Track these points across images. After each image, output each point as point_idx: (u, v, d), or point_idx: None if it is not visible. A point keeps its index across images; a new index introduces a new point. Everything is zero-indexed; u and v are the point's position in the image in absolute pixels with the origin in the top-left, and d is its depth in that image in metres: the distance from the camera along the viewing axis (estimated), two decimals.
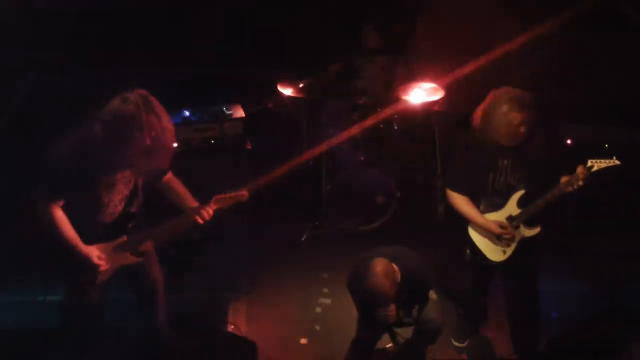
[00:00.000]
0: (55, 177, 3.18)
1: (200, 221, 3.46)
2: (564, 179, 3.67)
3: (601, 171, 3.63)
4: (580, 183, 3.60)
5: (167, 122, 3.17)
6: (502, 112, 3.58)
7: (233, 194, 3.51)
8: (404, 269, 3.71)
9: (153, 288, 3.78)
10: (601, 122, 5.45)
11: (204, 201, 3.55)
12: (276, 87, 5.49)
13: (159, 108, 3.14)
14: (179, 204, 3.60)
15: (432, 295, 3.91)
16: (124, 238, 3.47)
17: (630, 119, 5.45)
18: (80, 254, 3.32)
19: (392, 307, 3.67)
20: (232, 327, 4.49)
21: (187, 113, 5.10)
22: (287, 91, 5.42)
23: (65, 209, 3.29)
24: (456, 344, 4.33)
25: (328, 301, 4.74)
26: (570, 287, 4.95)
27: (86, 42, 5.59)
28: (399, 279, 3.67)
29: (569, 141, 5.27)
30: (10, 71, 5.06)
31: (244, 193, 3.53)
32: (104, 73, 5.30)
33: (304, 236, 5.47)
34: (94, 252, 3.37)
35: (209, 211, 3.45)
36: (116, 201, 3.40)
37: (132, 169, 3.33)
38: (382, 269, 3.56)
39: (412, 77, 5.78)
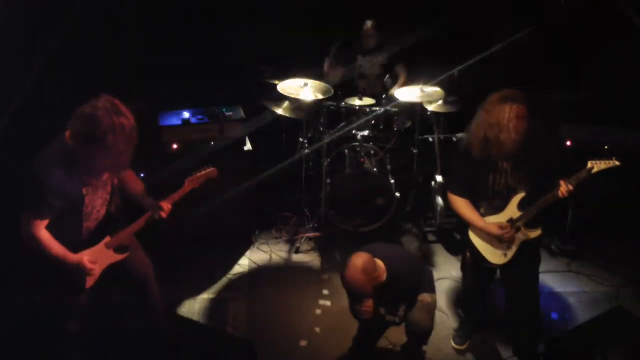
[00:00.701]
0: (42, 193, 3.18)
1: (164, 216, 3.54)
2: (564, 181, 3.66)
3: (601, 172, 3.63)
4: (581, 184, 3.60)
5: (133, 121, 3.23)
6: (499, 108, 3.59)
7: (202, 172, 3.68)
8: (392, 268, 3.66)
9: (143, 279, 3.79)
10: (601, 123, 5.45)
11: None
12: (276, 88, 5.48)
13: (125, 109, 3.21)
14: (134, 197, 3.64)
15: (426, 297, 3.82)
16: (108, 238, 3.52)
17: (630, 119, 5.45)
18: (71, 263, 3.35)
19: (369, 302, 3.61)
20: (232, 328, 4.49)
21: (187, 114, 5.11)
22: (286, 92, 5.42)
23: (51, 224, 3.29)
24: (456, 345, 4.33)
25: (328, 303, 4.73)
26: (570, 288, 4.94)
27: (86, 41, 5.59)
28: (383, 277, 3.62)
29: (568, 142, 5.28)
30: (10, 71, 5.06)
31: (212, 169, 3.70)
32: (104, 73, 5.31)
33: (304, 237, 5.47)
34: (85, 258, 3.40)
35: (167, 206, 3.55)
36: (98, 206, 3.46)
37: (110, 170, 3.37)
38: (361, 263, 3.50)
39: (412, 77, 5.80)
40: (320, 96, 5.28)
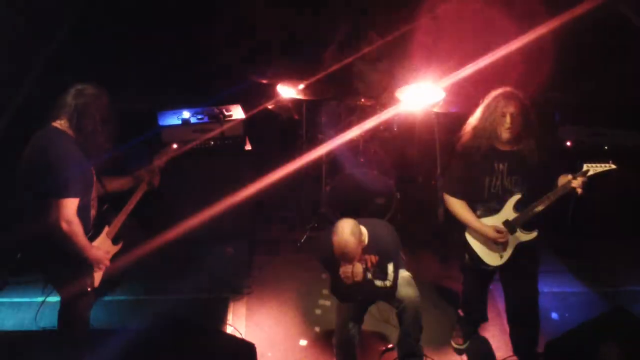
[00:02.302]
0: (70, 176, 3.19)
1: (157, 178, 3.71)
2: (560, 183, 3.66)
3: (597, 175, 3.62)
4: (579, 190, 3.60)
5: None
6: (493, 106, 3.64)
7: (165, 151, 3.90)
8: (372, 231, 3.76)
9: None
10: (600, 124, 5.44)
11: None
12: (276, 88, 5.49)
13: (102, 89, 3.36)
14: (119, 181, 3.73)
15: (404, 273, 3.95)
16: (107, 228, 3.52)
17: (630, 120, 5.45)
18: (90, 253, 3.35)
19: (358, 265, 3.66)
20: (232, 328, 4.49)
21: (187, 114, 5.11)
22: (286, 92, 5.42)
23: None
24: (456, 345, 4.33)
25: (327, 303, 4.73)
26: (570, 288, 4.94)
27: (86, 41, 5.59)
28: (366, 241, 3.71)
29: (568, 143, 5.27)
30: (10, 71, 5.07)
31: (173, 147, 3.93)
32: (104, 73, 5.31)
33: (304, 237, 5.46)
34: (100, 250, 3.41)
35: (159, 162, 3.75)
36: (94, 195, 3.48)
37: (105, 151, 3.41)
38: (349, 227, 3.61)
39: (411, 78, 5.79)
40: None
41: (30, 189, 3.27)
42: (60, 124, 3.31)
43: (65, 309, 3.63)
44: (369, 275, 3.73)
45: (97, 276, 3.52)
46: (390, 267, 3.75)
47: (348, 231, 3.59)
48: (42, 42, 5.24)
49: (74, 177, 3.19)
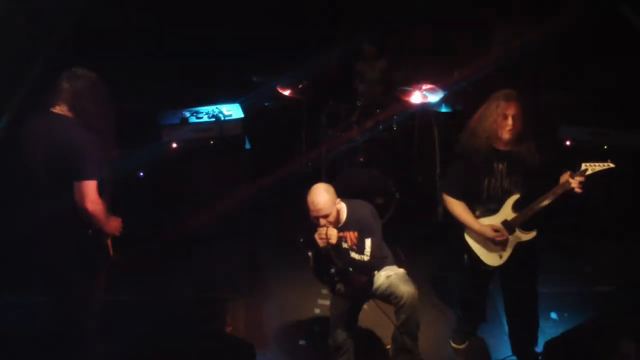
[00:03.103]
0: (94, 159, 3.29)
1: None
2: (558, 183, 3.66)
3: (596, 174, 3.63)
4: (577, 189, 3.60)
5: None
6: (494, 107, 3.64)
7: None
8: (351, 208, 3.86)
9: None
10: (600, 123, 5.45)
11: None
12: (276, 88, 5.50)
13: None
14: None
15: (399, 270, 3.97)
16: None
17: (630, 120, 5.45)
18: (109, 226, 3.48)
19: (333, 229, 3.72)
20: (231, 328, 4.49)
21: (186, 114, 5.11)
22: (286, 92, 5.43)
23: None
24: (455, 345, 4.33)
25: (327, 303, 4.71)
26: (570, 288, 4.94)
27: (86, 40, 5.59)
28: (344, 216, 3.82)
29: (568, 143, 5.27)
30: (11, 71, 5.06)
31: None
32: (104, 72, 5.31)
33: (303, 237, 5.46)
34: (116, 220, 3.56)
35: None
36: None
37: (109, 131, 3.47)
38: (324, 185, 3.80)
39: (411, 78, 5.80)
40: None
41: (49, 174, 3.32)
42: (60, 109, 3.33)
43: (77, 305, 3.62)
44: (344, 245, 3.77)
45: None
46: (368, 242, 3.79)
47: (322, 187, 3.77)
48: (42, 42, 5.23)
49: (92, 160, 3.27)
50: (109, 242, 3.60)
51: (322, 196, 3.72)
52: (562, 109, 5.73)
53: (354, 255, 3.80)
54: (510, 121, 3.61)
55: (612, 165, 3.62)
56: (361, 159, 5.43)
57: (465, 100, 5.45)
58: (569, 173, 3.63)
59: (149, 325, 4.14)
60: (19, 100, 5.09)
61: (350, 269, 3.84)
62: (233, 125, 5.17)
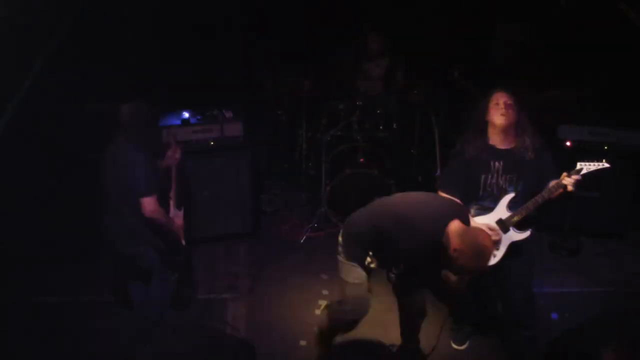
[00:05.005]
0: (150, 177, 3.95)
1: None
2: (553, 182, 3.67)
3: (591, 173, 3.64)
4: (570, 187, 3.60)
5: None
6: (488, 98, 3.72)
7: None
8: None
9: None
10: (600, 124, 5.45)
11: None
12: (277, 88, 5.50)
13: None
14: None
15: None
16: (171, 201, 4.30)
17: (630, 120, 5.45)
18: (173, 227, 4.23)
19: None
20: (232, 328, 4.49)
21: (187, 115, 5.11)
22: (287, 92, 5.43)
23: None
24: (456, 346, 4.33)
25: (327, 303, 4.73)
26: (570, 288, 4.95)
27: (86, 41, 5.59)
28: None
29: (568, 142, 5.27)
30: (11, 71, 5.06)
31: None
32: (104, 73, 5.31)
33: (303, 237, 5.47)
34: (178, 219, 4.33)
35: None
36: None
37: (161, 146, 4.52)
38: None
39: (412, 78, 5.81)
40: None
41: (119, 192, 4.00)
42: (125, 138, 3.96)
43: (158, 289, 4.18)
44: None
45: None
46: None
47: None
48: (42, 42, 5.23)
49: (149, 178, 3.93)
50: (181, 233, 4.26)
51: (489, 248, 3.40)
52: (561, 109, 5.73)
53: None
54: (502, 106, 3.64)
55: (607, 165, 3.64)
56: (361, 159, 5.43)
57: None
58: (565, 173, 3.65)
59: (149, 325, 4.14)
60: (18, 100, 5.10)
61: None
62: (233, 126, 5.17)
